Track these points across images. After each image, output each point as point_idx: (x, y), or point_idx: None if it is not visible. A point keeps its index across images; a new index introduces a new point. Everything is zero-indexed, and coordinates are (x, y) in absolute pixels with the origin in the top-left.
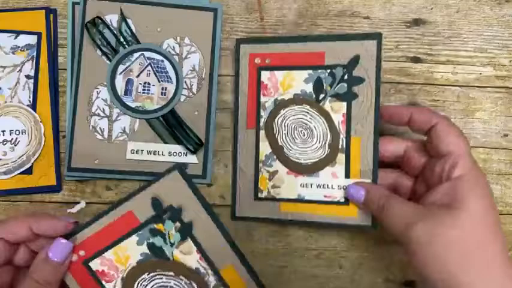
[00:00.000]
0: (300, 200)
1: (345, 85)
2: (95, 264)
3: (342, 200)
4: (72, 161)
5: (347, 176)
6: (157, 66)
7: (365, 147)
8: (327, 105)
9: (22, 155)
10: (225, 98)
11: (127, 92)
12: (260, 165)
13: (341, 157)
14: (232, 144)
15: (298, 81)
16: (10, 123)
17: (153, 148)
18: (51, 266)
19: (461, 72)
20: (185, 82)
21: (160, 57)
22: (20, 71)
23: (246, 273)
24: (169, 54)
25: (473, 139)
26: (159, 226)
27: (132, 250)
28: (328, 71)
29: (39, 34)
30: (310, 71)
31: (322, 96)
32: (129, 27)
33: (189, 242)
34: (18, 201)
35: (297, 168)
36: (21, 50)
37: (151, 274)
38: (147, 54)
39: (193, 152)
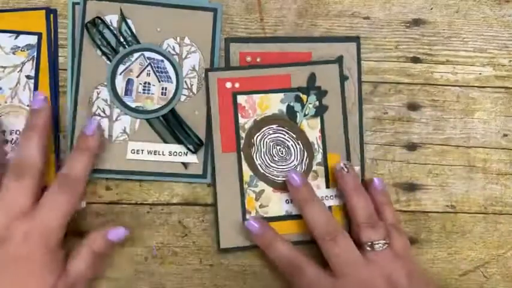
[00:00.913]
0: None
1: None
2: (241, 99)
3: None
4: None
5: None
6: (158, 66)
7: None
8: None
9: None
10: None
11: (127, 92)
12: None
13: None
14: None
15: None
16: (11, 123)
17: (153, 148)
18: (109, 244)
19: (461, 72)
20: (185, 82)
21: (160, 57)
22: (21, 71)
23: None
24: (169, 54)
25: (473, 139)
26: (303, 97)
27: (274, 103)
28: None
29: (39, 34)
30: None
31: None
32: (129, 27)
33: (317, 120)
34: None
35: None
36: (21, 50)
37: (279, 127)
38: (147, 54)
39: (194, 152)
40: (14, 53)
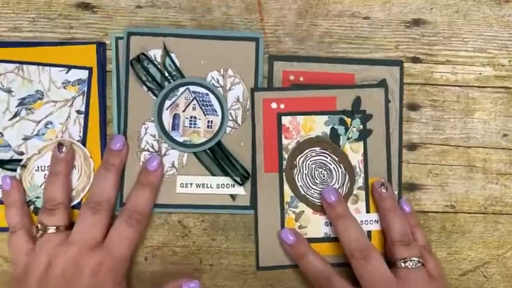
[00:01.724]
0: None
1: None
2: (285, 119)
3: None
4: (124, 196)
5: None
6: (203, 100)
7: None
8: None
9: (72, 190)
10: None
11: (174, 126)
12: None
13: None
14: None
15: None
16: None
17: (201, 181)
18: None
19: (461, 72)
20: (230, 114)
21: (205, 91)
22: (71, 105)
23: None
24: (213, 87)
25: (473, 139)
26: (348, 120)
27: (318, 125)
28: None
29: (90, 69)
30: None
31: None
32: (173, 62)
33: (360, 144)
34: None
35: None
36: (72, 85)
37: (322, 150)
38: (192, 88)
39: (241, 184)
40: (65, 88)
